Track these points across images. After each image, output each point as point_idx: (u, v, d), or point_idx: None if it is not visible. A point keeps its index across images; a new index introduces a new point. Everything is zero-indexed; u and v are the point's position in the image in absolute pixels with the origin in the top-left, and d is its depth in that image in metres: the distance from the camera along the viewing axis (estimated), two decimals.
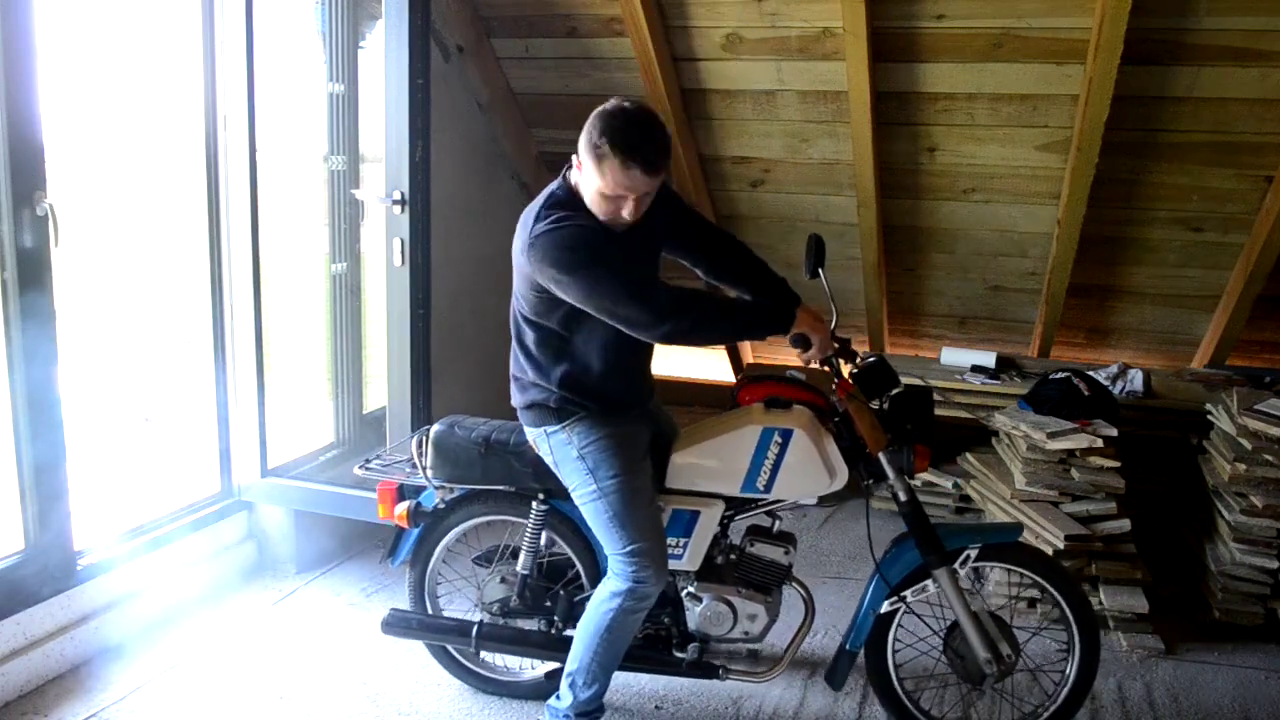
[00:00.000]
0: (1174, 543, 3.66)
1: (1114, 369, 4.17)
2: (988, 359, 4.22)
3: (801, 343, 2.20)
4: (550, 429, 2.30)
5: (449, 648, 2.67)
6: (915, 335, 4.99)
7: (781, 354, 5.40)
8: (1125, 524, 3.18)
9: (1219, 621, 3.16)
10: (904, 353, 4.97)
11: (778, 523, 2.52)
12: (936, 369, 4.24)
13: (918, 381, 2.49)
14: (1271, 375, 4.04)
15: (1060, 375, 3.65)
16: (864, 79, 3.71)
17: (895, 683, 2.49)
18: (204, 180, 3.17)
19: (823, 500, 4.16)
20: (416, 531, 2.62)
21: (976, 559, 2.36)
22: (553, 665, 2.61)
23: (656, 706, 2.68)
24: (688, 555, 2.41)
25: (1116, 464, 3.24)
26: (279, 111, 3.39)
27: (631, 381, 2.36)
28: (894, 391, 2.34)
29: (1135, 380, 4.05)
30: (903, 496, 2.34)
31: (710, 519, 2.39)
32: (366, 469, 2.69)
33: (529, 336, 2.28)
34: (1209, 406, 3.50)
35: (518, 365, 2.34)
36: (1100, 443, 3.25)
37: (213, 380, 3.29)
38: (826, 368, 2.33)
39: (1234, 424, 3.23)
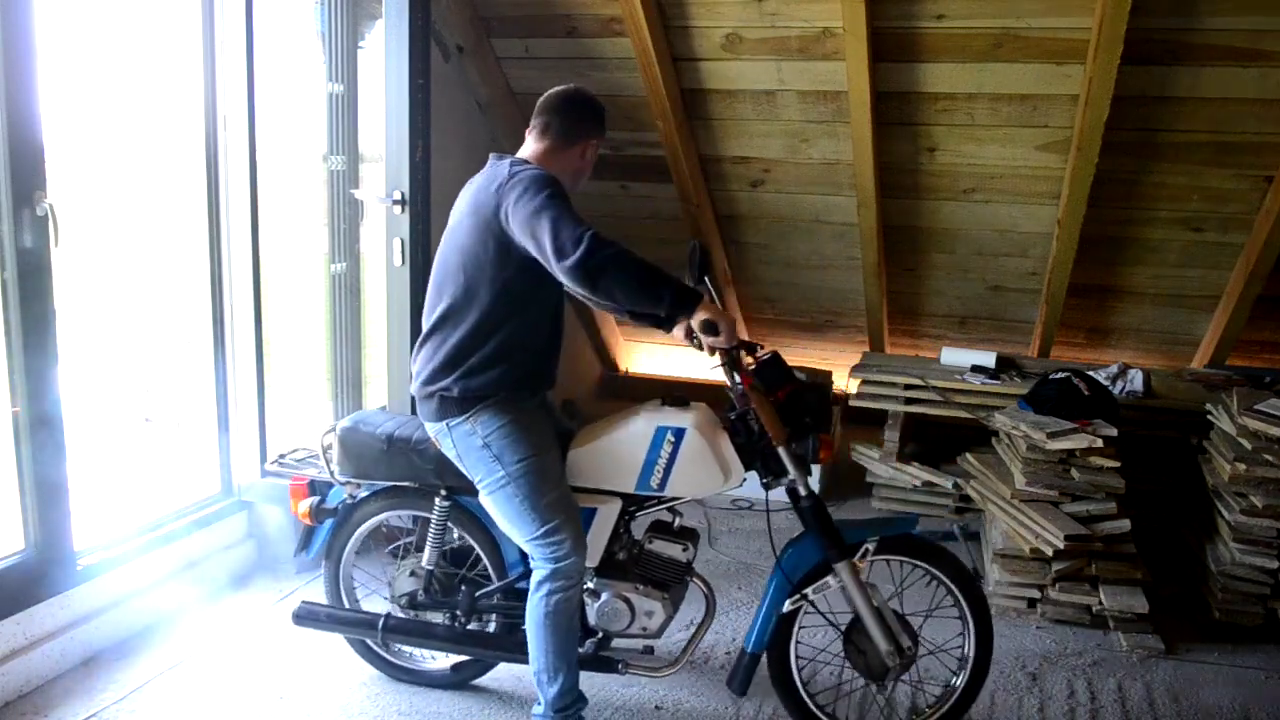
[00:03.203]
0: (1174, 543, 3.66)
1: (1114, 369, 4.17)
2: (988, 359, 4.22)
3: (710, 329, 2.15)
4: (453, 421, 2.31)
5: (367, 640, 2.72)
6: (915, 335, 4.99)
7: (784, 354, 5.39)
8: (1125, 524, 3.18)
9: (1219, 621, 3.16)
10: (904, 352, 4.97)
11: (679, 519, 2.51)
12: (936, 369, 4.24)
13: (802, 377, 2.51)
14: (1271, 375, 4.04)
15: (1060, 375, 3.65)
16: (864, 79, 3.71)
17: (799, 685, 2.47)
18: (204, 180, 3.17)
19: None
20: (327, 526, 2.67)
21: (875, 552, 2.34)
22: (459, 658, 2.66)
23: (657, 707, 2.68)
24: (586, 552, 2.40)
25: (1116, 464, 3.24)
26: (279, 111, 3.39)
27: (542, 366, 2.39)
28: (791, 386, 2.33)
29: (1135, 380, 4.05)
30: (802, 491, 2.31)
31: (607, 516, 2.39)
32: (280, 464, 2.71)
33: (452, 317, 2.30)
34: (1209, 406, 3.50)
35: (427, 355, 2.35)
36: (1100, 443, 3.25)
37: (213, 380, 3.29)
38: (727, 363, 2.29)
39: (1234, 424, 3.23)
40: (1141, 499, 3.65)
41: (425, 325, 2.36)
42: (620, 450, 2.35)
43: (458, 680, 2.71)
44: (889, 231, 4.43)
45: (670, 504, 2.44)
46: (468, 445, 2.31)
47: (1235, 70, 3.46)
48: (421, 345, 2.37)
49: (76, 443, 2.77)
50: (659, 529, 2.49)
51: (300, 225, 3.67)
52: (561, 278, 2.14)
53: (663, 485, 2.33)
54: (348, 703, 2.67)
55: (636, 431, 2.33)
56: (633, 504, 2.43)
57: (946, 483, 3.96)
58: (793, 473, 2.28)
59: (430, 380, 2.32)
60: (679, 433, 2.30)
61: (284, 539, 3.40)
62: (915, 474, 4.03)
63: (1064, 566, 3.15)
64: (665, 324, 2.38)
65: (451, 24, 4.12)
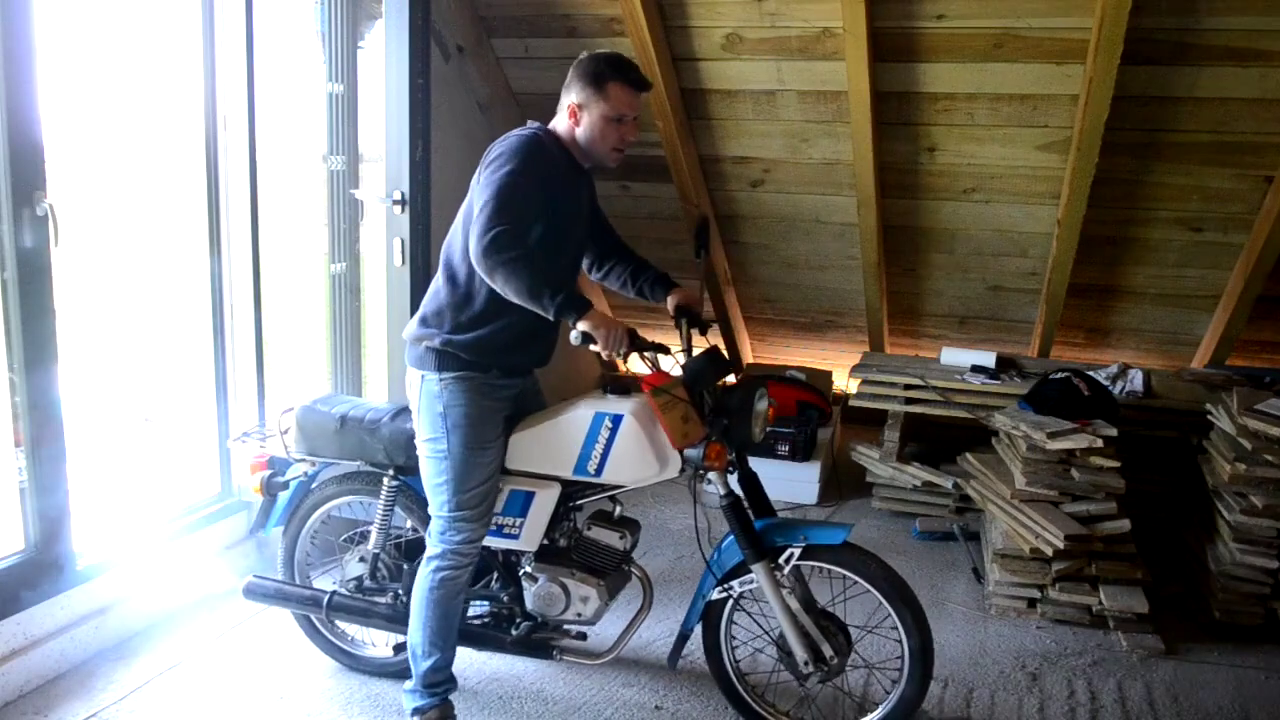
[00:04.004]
0: (1174, 543, 3.66)
1: (1114, 369, 4.17)
2: (988, 359, 4.22)
3: (586, 339, 2.15)
4: (428, 374, 2.35)
5: (313, 619, 2.78)
6: (915, 335, 4.99)
7: (782, 354, 5.41)
8: (1125, 524, 3.18)
9: (1219, 621, 3.16)
10: (904, 352, 4.97)
11: (619, 508, 2.54)
12: (936, 369, 4.24)
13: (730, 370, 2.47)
14: (1271, 375, 4.04)
15: (1060, 375, 3.65)
16: (864, 79, 3.71)
17: (730, 670, 2.52)
18: (204, 180, 3.17)
19: (822, 500, 4.21)
20: (282, 503, 2.72)
21: (800, 558, 2.33)
22: (400, 639, 2.68)
23: (657, 706, 2.68)
24: (524, 535, 2.44)
25: (1116, 464, 3.24)
26: (279, 111, 3.39)
27: (531, 340, 2.39)
28: (724, 383, 2.34)
29: (1135, 380, 4.05)
30: (720, 490, 2.33)
31: (545, 501, 2.41)
32: (242, 441, 2.80)
33: (452, 270, 2.33)
34: (1209, 406, 3.50)
35: (424, 301, 2.40)
36: (1100, 443, 3.25)
37: (213, 380, 3.29)
38: (648, 364, 2.32)
39: (1234, 424, 3.23)
40: (1141, 499, 3.65)
41: (441, 261, 2.39)
42: (559, 435, 2.36)
43: (401, 665, 2.68)
44: (889, 231, 4.43)
45: (612, 492, 2.45)
46: (429, 403, 2.34)
47: (1235, 70, 3.46)
48: (426, 291, 2.42)
49: (76, 443, 2.77)
50: (599, 517, 2.53)
51: (300, 225, 3.67)
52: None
53: (599, 471, 2.34)
54: (348, 703, 2.67)
55: (575, 417, 2.35)
56: (573, 490, 2.45)
57: (946, 483, 3.96)
58: (703, 473, 2.30)
59: (419, 326, 2.37)
60: (616, 419, 2.31)
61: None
62: (915, 474, 4.03)
63: (1064, 566, 3.15)
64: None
65: (451, 24, 4.12)
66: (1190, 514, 3.58)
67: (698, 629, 2.51)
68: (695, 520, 2.44)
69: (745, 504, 2.41)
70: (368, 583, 2.67)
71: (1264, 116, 3.57)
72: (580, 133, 2.33)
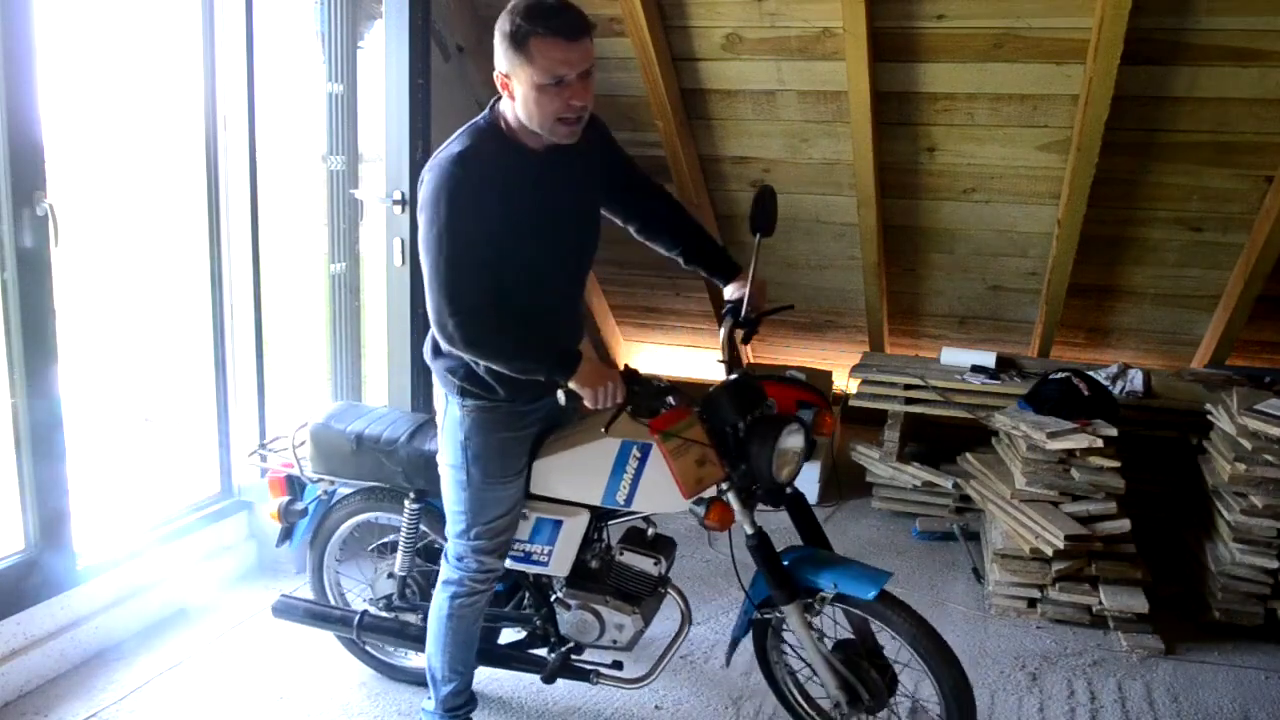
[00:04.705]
0: (1174, 543, 3.66)
1: (1114, 369, 4.17)
2: (988, 359, 4.21)
3: (573, 396, 2.00)
4: (450, 395, 2.19)
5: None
6: (915, 335, 4.99)
7: (782, 354, 5.40)
8: (1125, 524, 3.18)
9: (1219, 621, 3.16)
10: (904, 352, 4.97)
11: (653, 529, 2.36)
12: (936, 369, 4.24)
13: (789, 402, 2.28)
14: (1271, 375, 4.04)
15: (1060, 375, 3.65)
16: (864, 79, 3.71)
17: (782, 682, 2.42)
18: (204, 180, 3.17)
19: (822, 500, 4.21)
20: (305, 521, 2.65)
21: (833, 601, 2.13)
22: None
23: (656, 706, 2.68)
24: (553, 562, 2.31)
25: (1116, 464, 3.24)
26: (279, 111, 3.39)
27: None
28: (754, 416, 2.10)
29: (1135, 380, 4.05)
30: (746, 530, 2.13)
31: (574, 528, 2.28)
32: (261, 454, 2.72)
33: None
34: (1209, 406, 3.50)
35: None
36: (1100, 443, 3.24)
37: (213, 380, 3.29)
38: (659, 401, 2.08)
39: (1234, 424, 3.23)
40: (1141, 499, 3.65)
41: None
42: (585, 463, 2.21)
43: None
44: (889, 231, 4.43)
45: (646, 513, 2.31)
46: (452, 428, 2.19)
47: (1234, 70, 3.46)
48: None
49: (76, 442, 2.77)
50: (632, 539, 2.36)
51: (300, 225, 3.67)
52: None
53: (629, 501, 2.20)
54: (348, 703, 2.67)
55: (602, 445, 2.18)
56: (602, 515, 2.32)
57: (946, 483, 3.96)
58: (738, 514, 2.12)
59: (431, 352, 2.19)
60: (645, 449, 2.14)
61: None
62: (915, 474, 4.03)
63: (1064, 566, 3.15)
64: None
65: (451, 24, 4.12)
66: (1190, 514, 3.58)
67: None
68: (731, 550, 2.21)
69: (779, 542, 2.19)
70: (397, 601, 2.59)
71: (1264, 116, 3.57)
72: (517, 109, 1.92)
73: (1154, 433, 3.88)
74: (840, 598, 2.12)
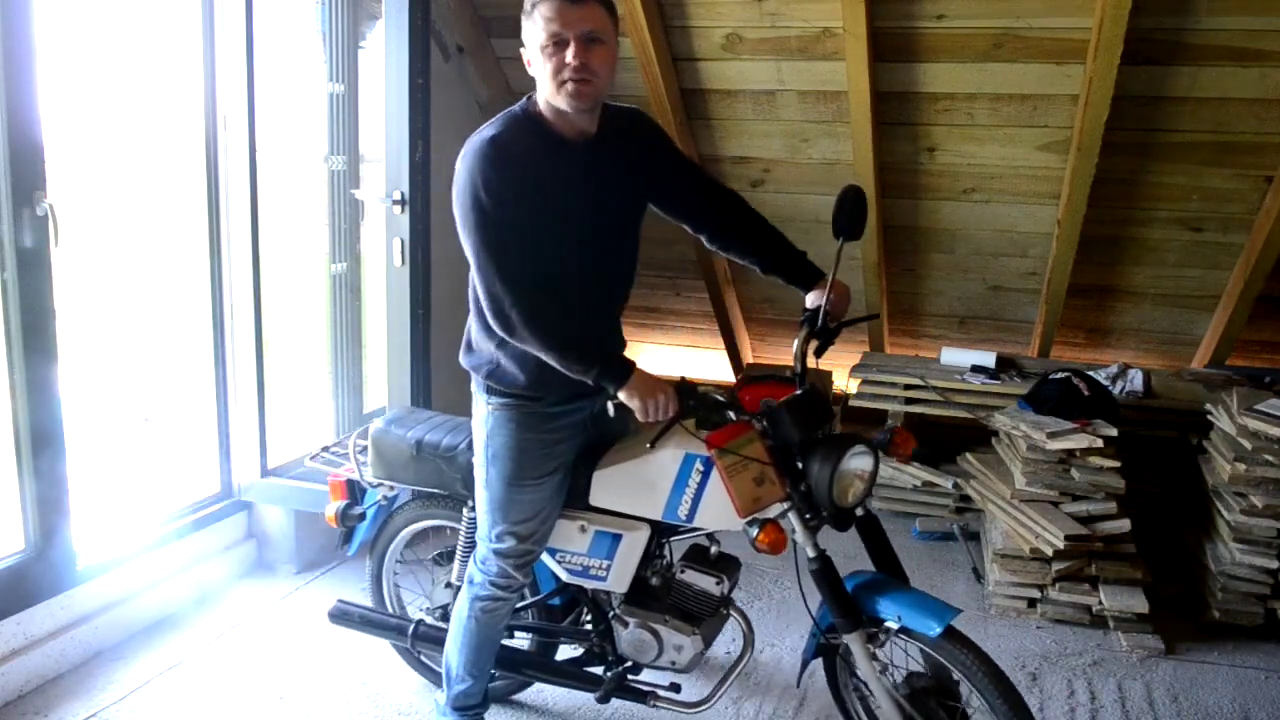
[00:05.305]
0: (1174, 543, 3.66)
1: (1114, 369, 4.17)
2: (988, 359, 4.22)
3: (623, 409, 1.93)
4: (479, 395, 2.16)
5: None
6: (915, 335, 4.99)
7: (782, 354, 5.40)
8: (1125, 524, 3.18)
9: (1219, 621, 3.16)
10: (904, 353, 4.97)
11: (716, 547, 2.25)
12: (936, 369, 4.24)
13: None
14: (1271, 375, 4.04)
15: (1060, 375, 3.65)
16: (864, 79, 3.71)
17: (848, 706, 2.31)
18: (204, 180, 3.17)
19: None
20: (365, 525, 2.62)
21: (898, 633, 2.02)
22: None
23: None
24: (612, 577, 2.24)
25: (1116, 464, 3.24)
26: (279, 112, 3.39)
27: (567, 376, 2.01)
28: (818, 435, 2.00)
29: (1135, 380, 4.05)
30: (809, 552, 2.03)
31: (634, 543, 2.20)
32: (322, 460, 2.71)
33: (474, 294, 2.03)
34: (1209, 406, 3.50)
35: (470, 321, 2.14)
36: (1100, 443, 3.25)
37: (213, 380, 3.29)
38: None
39: (1234, 424, 3.23)
40: (1141, 499, 3.65)
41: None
42: (646, 476, 2.13)
43: (496, 693, 2.62)
44: (889, 231, 4.43)
45: (709, 530, 2.20)
46: (479, 428, 2.17)
47: (1234, 70, 3.45)
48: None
49: (76, 442, 2.77)
50: (694, 557, 2.25)
51: (301, 225, 3.67)
52: None
53: (690, 517, 2.11)
54: (348, 702, 2.67)
55: (663, 457, 2.10)
56: (664, 529, 2.23)
57: (946, 483, 3.96)
58: (800, 537, 2.03)
59: (465, 352, 2.17)
60: (708, 463, 2.03)
61: (284, 539, 3.41)
62: (915, 474, 4.03)
63: (1064, 566, 3.15)
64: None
65: (451, 24, 4.12)
66: (1190, 514, 3.58)
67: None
68: (797, 572, 2.09)
69: (847, 565, 2.10)
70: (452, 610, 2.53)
71: (1264, 116, 3.57)
72: (538, 87, 1.92)
73: (1154, 433, 3.88)
74: (904, 631, 2.01)
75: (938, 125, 3.96)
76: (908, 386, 4.12)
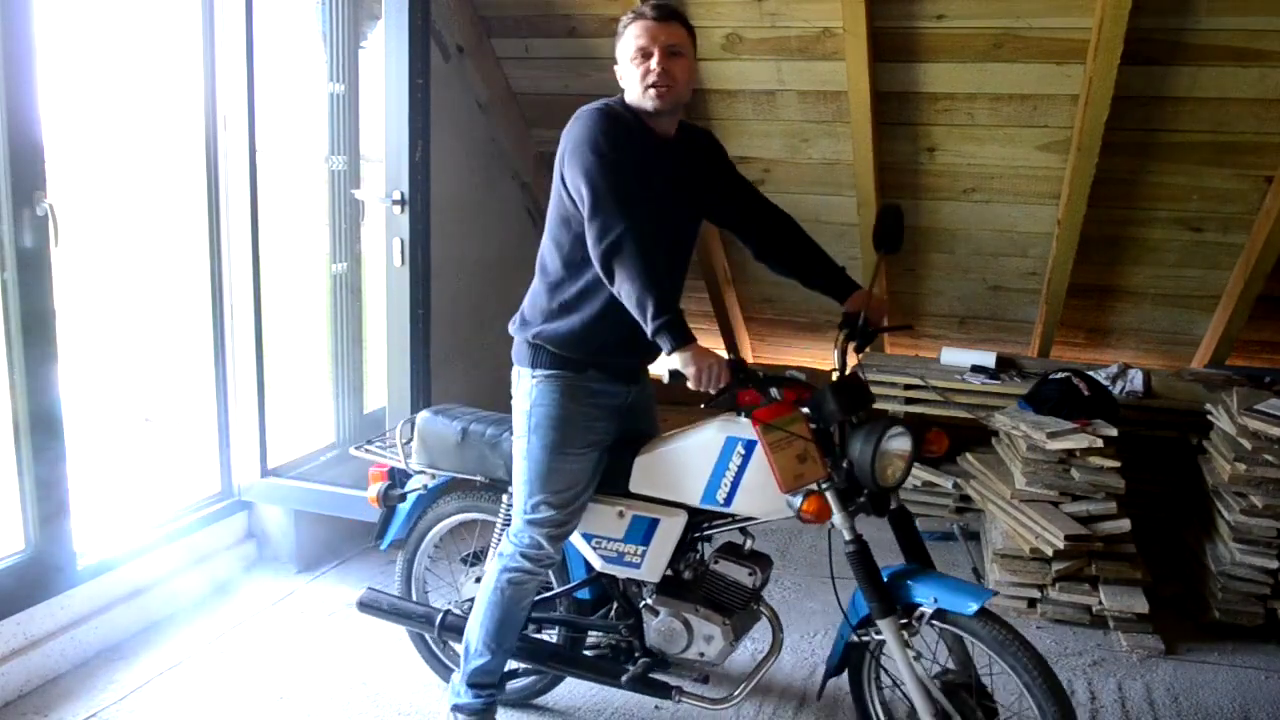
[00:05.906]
0: (1174, 543, 3.66)
1: (1114, 369, 4.17)
2: (988, 359, 4.22)
3: (676, 377, 1.98)
4: (523, 369, 2.26)
5: (426, 638, 2.71)
6: (915, 335, 4.99)
7: (782, 354, 5.41)
8: (1125, 524, 3.18)
9: (1219, 621, 3.16)
10: (904, 353, 4.97)
11: (749, 541, 2.30)
12: (936, 369, 4.24)
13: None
14: (1271, 375, 4.04)
15: (1060, 375, 3.65)
16: (864, 79, 3.71)
17: (872, 713, 2.30)
18: (204, 181, 3.18)
19: None
20: (401, 515, 2.65)
21: (932, 618, 2.04)
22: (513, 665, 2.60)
23: (656, 706, 2.68)
24: (646, 565, 2.28)
25: (1116, 464, 3.24)
26: (279, 112, 3.40)
27: (627, 347, 2.18)
28: (859, 417, 2.06)
29: (1135, 380, 4.05)
30: (845, 535, 2.06)
31: (670, 530, 2.24)
32: (366, 450, 2.75)
33: (544, 264, 2.23)
34: (1209, 406, 3.50)
35: (526, 297, 2.30)
36: (1100, 443, 3.25)
37: (213, 380, 3.29)
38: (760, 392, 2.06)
39: (1234, 424, 3.23)
40: (1141, 499, 3.66)
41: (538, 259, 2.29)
42: (686, 459, 2.18)
43: (514, 696, 2.63)
44: None
45: (743, 524, 2.25)
46: (520, 400, 2.26)
47: (1234, 70, 3.45)
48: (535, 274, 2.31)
49: (76, 443, 2.77)
50: (728, 549, 2.30)
51: (301, 226, 3.67)
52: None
53: (729, 501, 2.15)
54: (348, 702, 2.67)
55: (705, 440, 2.15)
56: (700, 519, 2.26)
57: (946, 483, 3.96)
58: (838, 520, 2.06)
59: (518, 323, 2.28)
60: (750, 445, 2.09)
61: (284, 539, 3.41)
62: (915, 474, 4.03)
63: (1064, 566, 3.15)
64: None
65: (451, 24, 4.12)
66: (1190, 514, 3.58)
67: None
68: (830, 563, 2.13)
69: (885, 549, 2.13)
70: None
71: (1264, 116, 3.57)
72: (627, 92, 2.19)
73: (1154, 433, 3.88)
74: (940, 614, 2.03)
75: (938, 125, 3.96)
76: (908, 386, 4.12)
